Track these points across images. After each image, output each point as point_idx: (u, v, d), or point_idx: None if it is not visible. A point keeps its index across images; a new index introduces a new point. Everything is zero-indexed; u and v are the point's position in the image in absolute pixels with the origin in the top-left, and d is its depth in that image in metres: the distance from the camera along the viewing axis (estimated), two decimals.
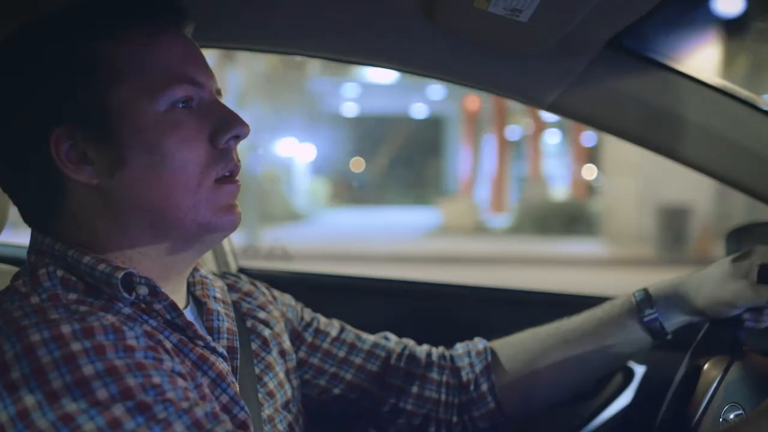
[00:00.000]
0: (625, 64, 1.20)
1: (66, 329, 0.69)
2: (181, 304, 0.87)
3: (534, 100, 1.31)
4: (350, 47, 1.26)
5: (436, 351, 1.14)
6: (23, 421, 0.65)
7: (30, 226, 0.85)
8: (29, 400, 0.65)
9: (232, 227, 0.83)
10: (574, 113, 1.33)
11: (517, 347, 1.12)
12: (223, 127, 0.82)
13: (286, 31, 1.19)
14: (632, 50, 1.19)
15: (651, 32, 1.19)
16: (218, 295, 0.94)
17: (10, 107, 0.80)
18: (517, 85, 1.29)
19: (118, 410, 0.66)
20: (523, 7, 0.93)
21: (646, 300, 1.05)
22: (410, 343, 1.14)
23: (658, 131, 1.27)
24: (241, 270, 1.67)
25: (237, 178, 0.84)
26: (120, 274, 0.76)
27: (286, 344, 1.03)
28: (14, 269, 1.06)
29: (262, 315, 1.01)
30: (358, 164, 20.11)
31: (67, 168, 0.78)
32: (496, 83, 1.32)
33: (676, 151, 1.29)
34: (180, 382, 0.72)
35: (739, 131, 1.23)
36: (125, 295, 0.77)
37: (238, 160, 0.84)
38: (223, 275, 1.06)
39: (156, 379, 0.69)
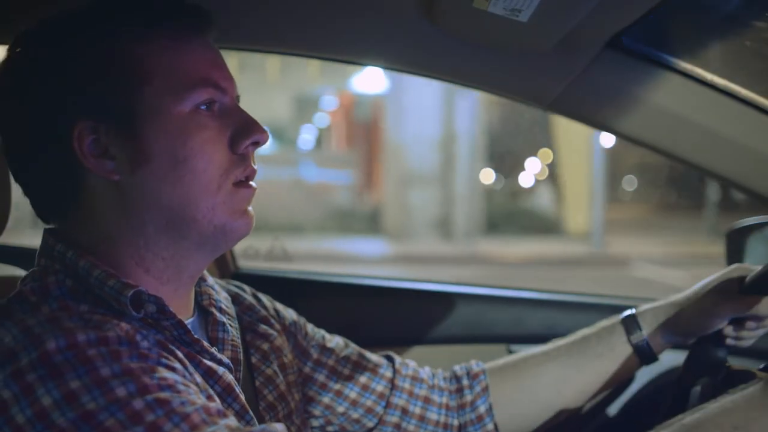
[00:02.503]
0: (625, 64, 1.20)
1: (81, 337, 0.69)
2: (187, 311, 0.88)
3: (534, 99, 1.31)
4: (350, 48, 1.26)
5: (437, 372, 1.16)
6: (42, 422, 0.65)
7: (43, 219, 0.85)
8: (46, 400, 0.65)
9: (247, 230, 0.84)
10: (574, 113, 1.33)
11: (512, 369, 1.14)
12: (244, 133, 0.83)
13: (285, 33, 1.19)
14: (632, 50, 1.19)
15: (651, 32, 1.19)
16: (223, 307, 0.95)
17: (37, 96, 0.80)
18: (516, 85, 1.29)
19: (138, 405, 0.66)
20: (522, 7, 0.93)
21: (634, 322, 1.09)
22: (412, 363, 1.15)
23: (658, 131, 1.27)
24: (240, 272, 1.66)
25: (252, 183, 0.85)
26: (129, 292, 0.76)
27: (287, 358, 1.03)
28: (14, 269, 1.06)
29: (261, 329, 1.01)
30: None
31: (88, 161, 0.79)
32: (495, 83, 1.32)
33: (676, 151, 1.29)
34: (192, 386, 0.73)
35: (739, 131, 1.23)
36: (133, 313, 0.76)
37: (255, 165, 0.85)
38: (227, 286, 1.06)
39: (170, 380, 0.70)
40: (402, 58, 1.26)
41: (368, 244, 11.70)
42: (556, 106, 1.30)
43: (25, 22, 0.83)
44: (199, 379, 0.78)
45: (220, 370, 0.82)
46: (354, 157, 15.99)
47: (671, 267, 9.39)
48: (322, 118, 17.88)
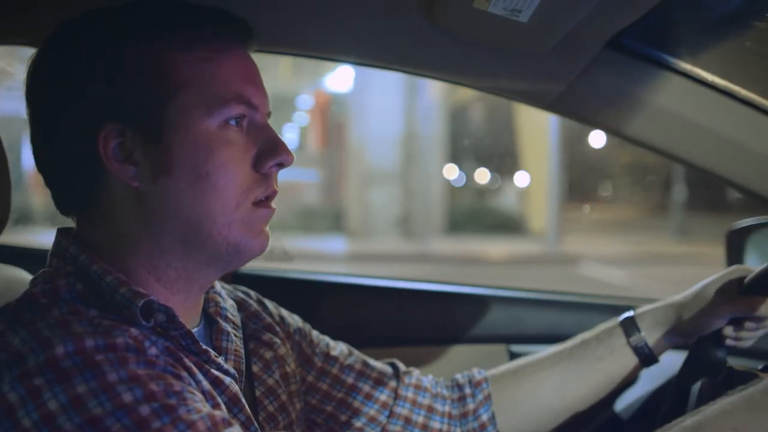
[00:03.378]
0: (625, 64, 1.20)
1: (89, 343, 0.69)
2: (195, 320, 0.88)
3: (534, 100, 1.31)
4: (350, 48, 1.26)
5: (439, 380, 1.16)
6: (48, 426, 0.65)
7: (62, 212, 0.85)
8: (53, 404, 0.65)
9: (260, 250, 0.84)
10: (574, 113, 1.33)
11: (513, 376, 1.14)
12: (269, 153, 0.82)
13: (285, 33, 1.19)
14: (632, 50, 1.19)
15: (651, 32, 1.19)
16: (229, 315, 0.95)
17: (69, 92, 0.80)
18: (517, 85, 1.29)
19: (144, 411, 0.66)
20: (523, 7, 0.93)
21: (632, 324, 1.10)
22: (416, 372, 1.15)
23: (658, 131, 1.27)
24: (239, 272, 1.66)
25: (272, 203, 0.85)
26: (140, 302, 0.76)
27: (290, 367, 1.02)
28: (14, 269, 1.06)
29: (265, 337, 1.01)
30: None
31: (110, 165, 0.78)
32: (496, 83, 1.32)
33: (676, 151, 1.29)
34: (198, 394, 0.73)
35: (739, 131, 1.23)
36: (143, 322, 0.76)
37: (276, 186, 0.85)
38: (233, 292, 1.05)
39: (177, 387, 0.70)
40: (401, 59, 1.26)
41: (329, 243, 11.83)
42: (556, 106, 1.30)
43: (24, 22, 0.82)
44: (206, 387, 0.78)
45: (227, 380, 0.82)
46: (324, 156, 16.02)
47: (617, 266, 9.56)
48: (299, 117, 17.94)
